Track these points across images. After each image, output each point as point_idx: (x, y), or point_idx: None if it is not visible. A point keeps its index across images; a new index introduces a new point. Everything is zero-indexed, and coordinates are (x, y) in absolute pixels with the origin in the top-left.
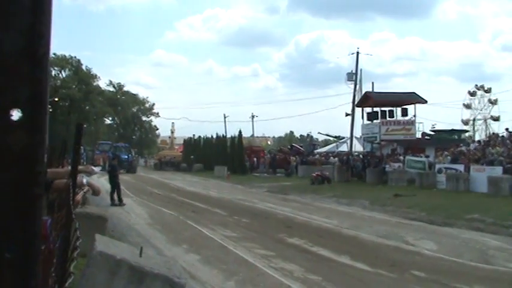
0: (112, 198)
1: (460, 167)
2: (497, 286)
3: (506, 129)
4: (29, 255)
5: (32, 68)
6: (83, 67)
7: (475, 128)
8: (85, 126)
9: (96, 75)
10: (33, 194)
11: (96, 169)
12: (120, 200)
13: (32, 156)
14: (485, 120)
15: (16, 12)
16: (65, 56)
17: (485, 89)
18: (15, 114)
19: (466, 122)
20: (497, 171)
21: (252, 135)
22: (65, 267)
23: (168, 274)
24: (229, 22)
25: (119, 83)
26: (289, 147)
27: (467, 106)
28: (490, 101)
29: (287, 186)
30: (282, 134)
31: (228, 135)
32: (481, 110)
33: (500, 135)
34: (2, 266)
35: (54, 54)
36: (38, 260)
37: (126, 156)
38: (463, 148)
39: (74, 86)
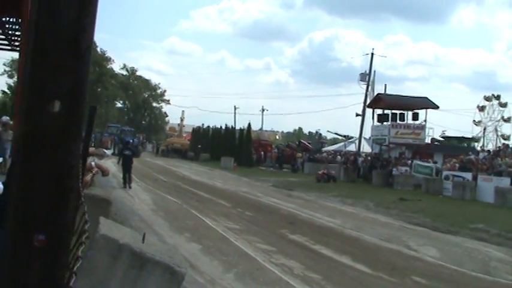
0: (124, 181)
1: (468, 176)
2: None
3: None
4: (58, 246)
5: (74, 61)
6: (98, 49)
7: (485, 138)
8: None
9: (110, 58)
10: (66, 186)
11: (108, 152)
12: (129, 184)
13: (67, 149)
14: (495, 130)
15: (63, 5)
16: None
17: (502, 103)
18: (56, 106)
19: (477, 124)
20: (505, 182)
21: (261, 129)
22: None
23: (170, 262)
24: (244, 14)
25: (132, 67)
26: (297, 143)
27: (481, 109)
28: (500, 104)
29: (292, 182)
30: (291, 130)
31: (237, 127)
32: (493, 121)
33: (511, 146)
34: (31, 255)
35: None
36: (67, 251)
37: (131, 141)
38: (472, 157)
39: None
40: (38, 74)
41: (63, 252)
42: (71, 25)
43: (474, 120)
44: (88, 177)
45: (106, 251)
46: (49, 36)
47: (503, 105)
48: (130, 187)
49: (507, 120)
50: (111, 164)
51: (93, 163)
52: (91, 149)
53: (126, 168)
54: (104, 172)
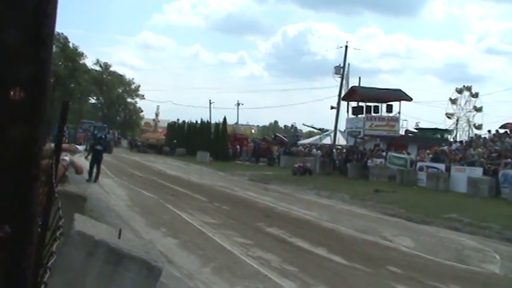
0: (90, 175)
1: (441, 166)
2: (471, 286)
3: (489, 131)
4: (23, 236)
5: (36, 47)
6: (70, 44)
7: (458, 128)
8: (69, 103)
9: (83, 54)
10: (30, 174)
11: (80, 148)
12: (97, 177)
13: (30, 137)
14: (468, 121)
15: None
16: None
17: (473, 93)
18: (17, 94)
19: (449, 116)
20: (477, 172)
21: (237, 123)
22: (43, 246)
23: (146, 257)
24: (217, 8)
25: (106, 62)
26: (273, 136)
27: (453, 101)
28: (475, 108)
29: (269, 176)
30: (267, 124)
31: (213, 122)
32: (467, 112)
33: (482, 136)
34: None
35: None
36: (32, 241)
37: (104, 136)
38: (445, 148)
39: (60, 63)
40: None
41: (28, 243)
42: (32, 10)
43: (447, 113)
44: (60, 172)
45: (81, 247)
46: (9, 23)
47: (475, 95)
48: (96, 181)
49: (479, 110)
50: (85, 161)
51: (66, 158)
52: (64, 145)
53: (95, 162)
54: (78, 170)
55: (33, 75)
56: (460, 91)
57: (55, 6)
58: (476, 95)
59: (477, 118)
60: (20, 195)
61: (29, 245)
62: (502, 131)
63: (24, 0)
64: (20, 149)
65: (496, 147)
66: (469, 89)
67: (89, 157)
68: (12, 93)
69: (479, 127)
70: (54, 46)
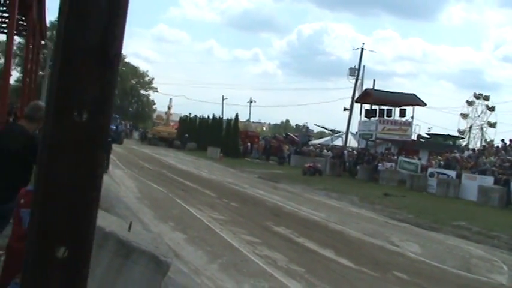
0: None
1: (452, 173)
2: None
3: (502, 140)
4: (80, 257)
5: (102, 69)
6: None
7: (471, 136)
8: None
9: None
10: (89, 197)
11: None
12: (106, 167)
13: (92, 160)
14: (481, 128)
15: (93, 12)
16: None
17: (484, 96)
18: (82, 115)
19: (462, 132)
20: (489, 181)
21: (248, 120)
22: None
23: (155, 252)
24: (234, 4)
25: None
26: (284, 135)
27: (464, 116)
28: (488, 108)
29: (278, 175)
30: (278, 122)
31: (225, 118)
32: (478, 117)
33: (495, 145)
34: (53, 266)
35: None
36: (89, 262)
37: (115, 127)
38: (457, 155)
39: None
40: (65, 81)
41: (84, 264)
42: (99, 32)
43: (459, 130)
44: None
45: None
46: (77, 43)
47: (491, 109)
48: (106, 171)
49: (493, 125)
50: None
51: None
52: None
53: (104, 152)
54: None
55: (98, 97)
56: (471, 103)
57: (123, 28)
58: (492, 109)
59: (491, 118)
60: (79, 218)
61: (85, 267)
62: None
63: (93, 21)
64: (83, 172)
65: (509, 157)
66: (486, 98)
67: None
68: (76, 114)
69: (493, 125)
70: None
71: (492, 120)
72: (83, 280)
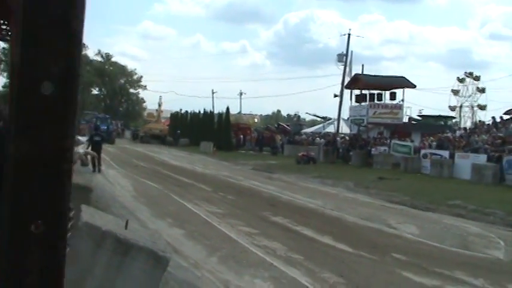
0: (94, 165)
1: (445, 153)
2: (476, 272)
3: (493, 117)
4: (57, 231)
5: (66, 41)
6: None
7: (462, 115)
8: None
9: (84, 44)
10: (61, 169)
11: (83, 139)
12: (99, 168)
13: (61, 132)
14: (472, 107)
15: None
16: None
17: (474, 76)
18: (47, 88)
19: (453, 109)
20: (481, 159)
21: (239, 112)
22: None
23: (153, 247)
24: None
25: (107, 53)
26: (276, 125)
27: (455, 92)
28: (478, 89)
29: (273, 165)
30: (269, 113)
31: (216, 111)
32: (469, 97)
33: (486, 123)
34: (30, 241)
35: None
36: (66, 235)
37: (105, 127)
38: (449, 134)
39: None
40: (28, 55)
41: (61, 237)
42: (61, 4)
43: (450, 106)
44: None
45: (89, 238)
46: (39, 16)
47: (477, 78)
48: (100, 170)
49: (482, 91)
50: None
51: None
52: None
53: (96, 153)
54: (83, 161)
55: (64, 69)
56: (461, 80)
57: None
58: (478, 78)
59: (481, 100)
60: (52, 191)
61: (63, 242)
62: (506, 117)
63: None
64: (52, 145)
65: (500, 134)
66: (470, 74)
67: (89, 149)
68: (42, 87)
69: (483, 107)
70: None
71: (482, 103)
72: (60, 253)
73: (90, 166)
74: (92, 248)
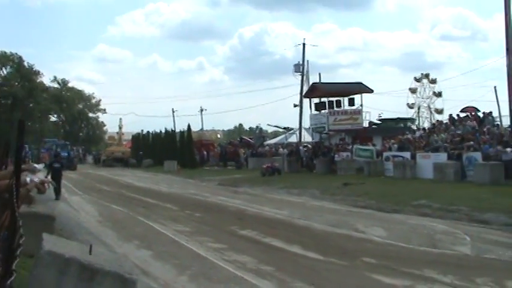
0: (57, 193)
1: (407, 155)
2: (445, 269)
3: (450, 115)
4: None
5: None
6: (25, 64)
7: (420, 115)
8: (29, 124)
9: (39, 72)
10: None
11: (39, 166)
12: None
13: None
14: (429, 107)
15: None
16: (5, 52)
17: (430, 79)
18: None
19: (411, 106)
20: (442, 157)
21: (202, 129)
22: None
23: (119, 270)
24: (171, 16)
25: (63, 79)
26: (238, 139)
27: (413, 90)
28: (434, 94)
29: (238, 179)
30: (232, 127)
31: (177, 130)
32: (426, 99)
33: (444, 122)
34: None
35: None
36: None
37: (66, 154)
38: (409, 136)
39: (16, 83)
40: None
41: None
42: None
43: (408, 104)
44: (23, 192)
45: (52, 266)
46: None
47: (433, 81)
48: (58, 198)
49: (438, 95)
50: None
51: (27, 179)
52: (22, 166)
53: (56, 180)
54: (40, 189)
55: None
56: (418, 80)
57: None
58: (434, 81)
59: (438, 103)
60: None
61: None
62: (462, 114)
63: None
64: None
65: (458, 131)
66: (427, 76)
67: (49, 176)
68: None
69: (440, 111)
70: (8, 66)
71: (439, 107)
72: None
73: (53, 193)
74: (56, 276)
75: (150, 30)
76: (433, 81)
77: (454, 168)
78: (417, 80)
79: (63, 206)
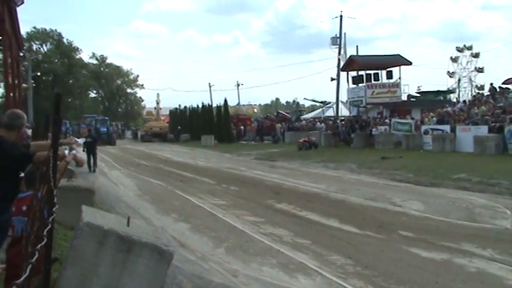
0: (89, 166)
1: (446, 128)
2: (484, 243)
3: (491, 84)
4: None
5: None
6: (64, 40)
7: (461, 90)
8: (69, 100)
9: (78, 48)
10: None
11: (80, 140)
12: (94, 167)
13: None
14: (470, 79)
15: None
16: (45, 29)
17: (473, 53)
18: None
19: (451, 75)
20: (483, 130)
21: (238, 104)
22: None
23: (157, 242)
24: None
25: (102, 55)
26: (275, 114)
27: (454, 60)
28: (472, 55)
29: (274, 153)
30: (268, 102)
31: (214, 105)
32: (466, 68)
33: (485, 94)
34: None
35: (34, 27)
36: None
37: (106, 129)
38: (449, 109)
39: (56, 60)
40: None
41: None
42: None
43: (448, 72)
44: (61, 165)
45: (91, 238)
46: None
47: (476, 55)
48: (94, 170)
49: (480, 70)
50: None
51: (66, 151)
52: (63, 140)
53: (89, 153)
54: (79, 162)
55: None
56: (461, 50)
57: None
58: (477, 55)
59: (479, 78)
60: None
61: None
62: (504, 86)
63: None
64: None
65: (500, 104)
66: (469, 48)
67: (84, 150)
68: None
69: (481, 88)
70: (48, 43)
71: (480, 83)
72: None
73: (86, 166)
74: (95, 247)
75: (185, 5)
76: (476, 56)
77: (495, 141)
78: (459, 50)
79: (103, 180)
